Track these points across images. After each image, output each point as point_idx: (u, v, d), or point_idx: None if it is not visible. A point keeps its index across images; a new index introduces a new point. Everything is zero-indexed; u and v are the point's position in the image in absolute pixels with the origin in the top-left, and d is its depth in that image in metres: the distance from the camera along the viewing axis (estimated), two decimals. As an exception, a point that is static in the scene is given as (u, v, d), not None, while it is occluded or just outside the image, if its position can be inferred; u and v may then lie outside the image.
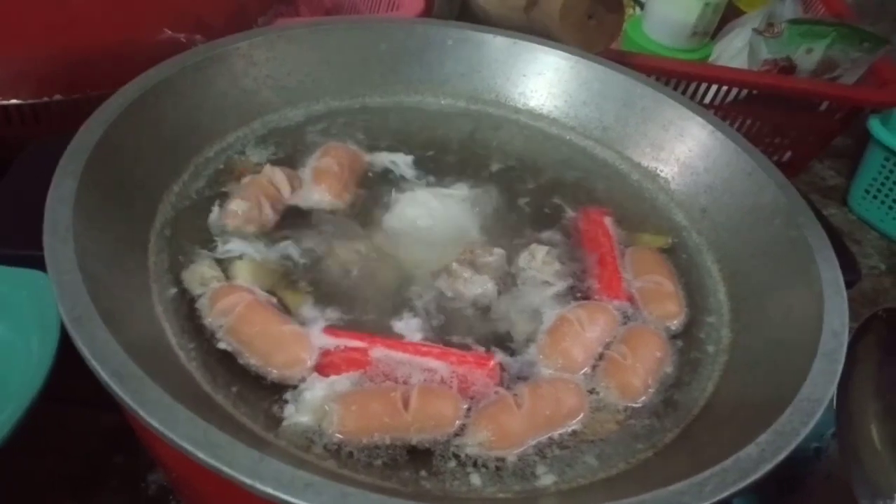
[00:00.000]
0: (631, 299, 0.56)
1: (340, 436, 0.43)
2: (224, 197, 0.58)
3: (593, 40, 0.77)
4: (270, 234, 0.56)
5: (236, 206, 0.55)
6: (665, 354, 0.52)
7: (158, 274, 0.50)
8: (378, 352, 0.48)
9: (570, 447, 0.46)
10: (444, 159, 0.67)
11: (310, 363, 0.47)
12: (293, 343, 0.47)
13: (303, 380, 0.46)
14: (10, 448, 0.47)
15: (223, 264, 0.52)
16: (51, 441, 0.57)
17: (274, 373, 0.46)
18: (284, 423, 0.44)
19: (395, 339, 0.49)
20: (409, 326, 0.51)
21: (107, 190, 0.49)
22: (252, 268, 0.52)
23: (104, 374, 0.36)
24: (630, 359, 0.50)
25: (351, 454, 0.43)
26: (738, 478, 0.37)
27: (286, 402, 0.45)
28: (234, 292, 0.49)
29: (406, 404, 0.45)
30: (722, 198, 0.63)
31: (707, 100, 0.96)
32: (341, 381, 0.46)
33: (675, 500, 0.36)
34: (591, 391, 0.49)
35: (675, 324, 0.55)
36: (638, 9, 1.11)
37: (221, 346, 0.47)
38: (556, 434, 0.46)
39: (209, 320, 0.48)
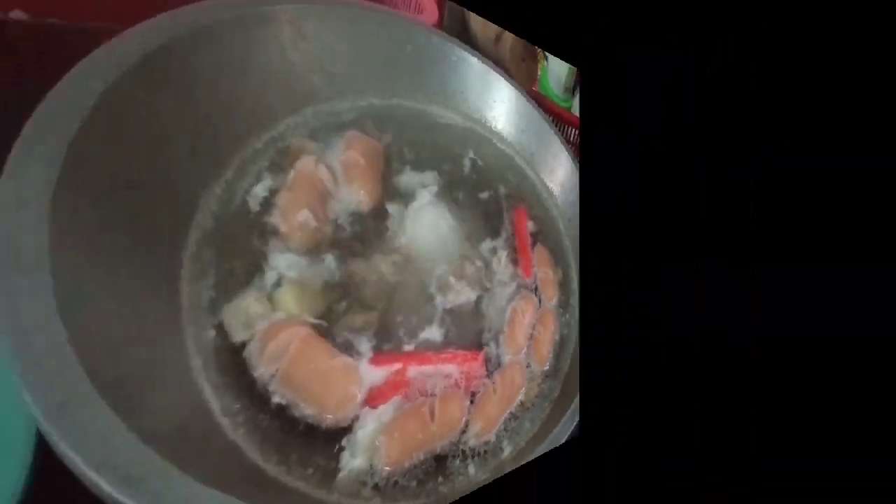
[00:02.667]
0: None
1: (388, 468, 0.45)
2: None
3: (523, 79, 0.89)
4: (318, 248, 0.45)
5: (303, 217, 0.42)
6: (556, 327, 0.63)
7: (194, 312, 0.37)
8: (412, 370, 0.47)
9: (518, 416, 0.56)
10: (454, 172, 0.63)
11: (360, 398, 0.44)
12: (344, 378, 0.44)
13: (356, 418, 0.44)
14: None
15: (269, 293, 0.41)
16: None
17: (329, 419, 0.43)
18: (340, 475, 0.43)
19: (421, 354, 0.49)
20: (432, 337, 0.51)
21: (108, 195, 0.31)
22: (297, 294, 0.41)
23: (106, 487, 0.27)
24: (542, 333, 0.60)
25: (395, 483, 0.45)
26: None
27: (343, 448, 0.43)
28: (284, 329, 0.40)
29: (433, 415, 0.47)
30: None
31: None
32: (387, 410, 0.46)
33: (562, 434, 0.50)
34: (528, 366, 0.58)
35: (554, 300, 0.65)
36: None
37: (276, 399, 0.40)
38: (513, 408, 0.55)
39: (260, 371, 0.39)
